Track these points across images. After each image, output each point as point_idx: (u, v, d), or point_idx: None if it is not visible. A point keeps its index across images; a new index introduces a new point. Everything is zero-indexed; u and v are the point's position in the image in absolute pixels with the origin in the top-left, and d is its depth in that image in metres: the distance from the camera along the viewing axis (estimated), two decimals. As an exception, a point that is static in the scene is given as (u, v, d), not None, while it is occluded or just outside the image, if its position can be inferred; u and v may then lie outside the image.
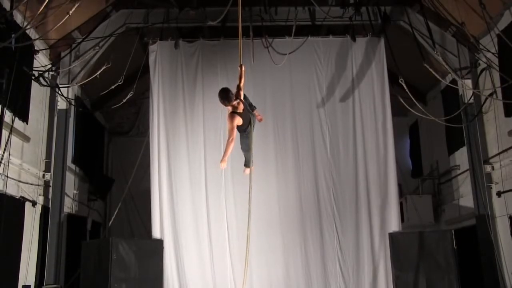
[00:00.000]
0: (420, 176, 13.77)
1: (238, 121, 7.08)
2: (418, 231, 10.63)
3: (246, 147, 7.51)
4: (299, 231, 10.68)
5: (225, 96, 7.11)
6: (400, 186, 11.89)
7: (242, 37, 7.88)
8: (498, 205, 10.09)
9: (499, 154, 10.07)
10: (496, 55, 9.74)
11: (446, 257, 9.65)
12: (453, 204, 12.03)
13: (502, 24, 9.55)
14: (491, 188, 10.27)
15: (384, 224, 10.58)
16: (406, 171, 14.19)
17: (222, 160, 7.09)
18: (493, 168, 10.31)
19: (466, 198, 11.26)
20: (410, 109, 10.94)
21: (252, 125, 7.38)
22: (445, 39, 11.02)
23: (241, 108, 7.19)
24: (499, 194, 9.99)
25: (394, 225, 10.53)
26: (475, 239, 10.28)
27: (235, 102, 7.14)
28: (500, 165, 10.03)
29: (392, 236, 10.16)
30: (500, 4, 9.43)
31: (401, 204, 11.41)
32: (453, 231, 9.98)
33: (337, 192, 10.84)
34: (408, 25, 10.75)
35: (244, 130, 7.31)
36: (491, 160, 10.38)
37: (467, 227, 10.93)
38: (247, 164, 7.74)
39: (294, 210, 10.78)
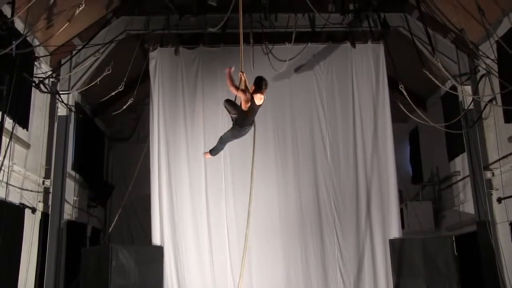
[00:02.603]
0: (420, 182, 13.76)
1: (244, 102, 7.23)
2: (419, 237, 10.61)
3: (227, 140, 7.70)
4: (299, 237, 10.66)
5: (266, 83, 7.29)
6: (400, 192, 11.86)
7: (242, 43, 7.89)
8: (499, 211, 10.08)
9: (499, 160, 10.08)
10: (496, 61, 9.76)
11: (447, 264, 9.62)
12: (453, 210, 12.02)
13: (501, 31, 9.58)
14: (492, 194, 10.26)
15: (384, 230, 10.57)
16: (406, 177, 14.18)
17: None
18: (493, 174, 10.31)
19: (466, 204, 11.25)
20: (410, 115, 10.95)
21: (254, 127, 7.52)
22: (444, 45, 11.03)
23: (255, 104, 7.27)
24: (499, 200, 9.99)
25: (394, 231, 10.51)
26: (476, 245, 10.25)
27: (257, 97, 7.24)
28: (501, 171, 10.03)
29: (392, 242, 10.15)
30: (499, 11, 9.46)
31: (401, 211, 11.38)
32: (453, 237, 9.97)
33: (337, 199, 10.83)
34: (407, 32, 10.78)
35: (241, 126, 7.35)
36: (491, 166, 10.38)
37: (468, 233, 10.90)
38: (213, 152, 8.08)
39: (295, 217, 10.77)
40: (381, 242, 10.49)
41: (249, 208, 7.42)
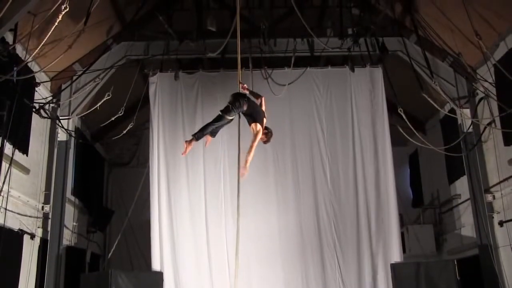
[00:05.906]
0: (420, 205, 13.70)
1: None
2: (420, 261, 10.52)
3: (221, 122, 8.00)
4: (300, 261, 10.60)
5: (270, 136, 8.13)
6: (401, 216, 11.80)
7: (241, 68, 7.96)
8: (501, 235, 10.01)
9: (499, 183, 10.04)
10: (494, 84, 9.81)
11: (449, 288, 9.54)
12: (454, 233, 11.94)
13: (498, 54, 9.65)
14: (493, 217, 10.20)
15: (385, 254, 10.51)
16: (406, 201, 14.13)
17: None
18: (494, 197, 10.27)
19: (467, 228, 11.18)
20: (410, 139, 10.96)
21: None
22: (442, 69, 11.11)
23: (260, 117, 7.89)
24: (501, 223, 9.93)
25: (395, 255, 10.45)
26: (478, 269, 10.16)
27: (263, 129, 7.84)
28: (501, 194, 9.98)
29: (394, 266, 10.06)
30: (496, 35, 9.55)
31: (402, 234, 11.33)
32: (455, 261, 9.90)
33: (338, 223, 10.79)
34: (406, 55, 10.87)
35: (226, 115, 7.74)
36: (492, 189, 10.35)
37: (470, 257, 10.81)
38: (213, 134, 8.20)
39: (295, 241, 10.72)
40: (383, 266, 10.42)
41: (237, 231, 7.43)
